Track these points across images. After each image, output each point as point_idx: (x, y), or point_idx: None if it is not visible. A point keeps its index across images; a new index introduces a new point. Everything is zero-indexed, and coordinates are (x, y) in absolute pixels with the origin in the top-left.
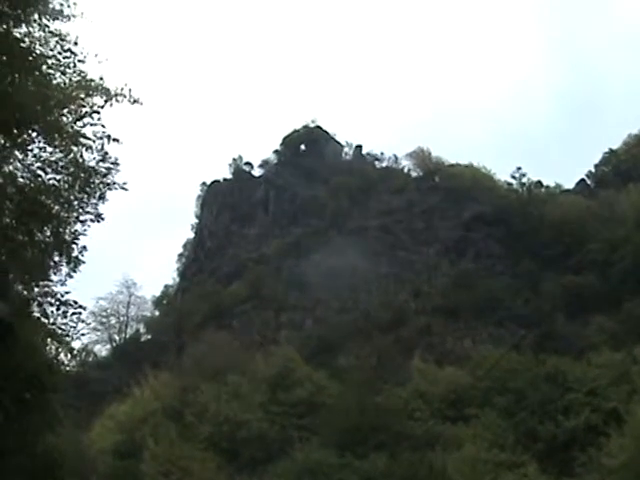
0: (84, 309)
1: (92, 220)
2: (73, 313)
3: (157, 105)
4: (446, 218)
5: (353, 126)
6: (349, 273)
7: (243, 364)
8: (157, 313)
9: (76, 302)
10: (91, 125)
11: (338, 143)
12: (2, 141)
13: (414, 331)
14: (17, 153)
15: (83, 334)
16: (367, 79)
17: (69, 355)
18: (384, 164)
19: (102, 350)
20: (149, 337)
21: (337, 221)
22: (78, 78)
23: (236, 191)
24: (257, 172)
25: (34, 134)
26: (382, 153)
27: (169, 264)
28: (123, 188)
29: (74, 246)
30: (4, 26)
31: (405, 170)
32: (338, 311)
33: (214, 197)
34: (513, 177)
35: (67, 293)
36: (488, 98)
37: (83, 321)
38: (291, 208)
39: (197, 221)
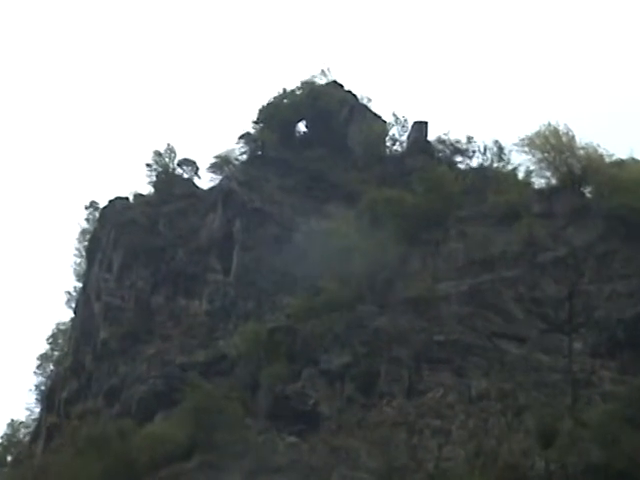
0: None
1: None
2: None
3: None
4: (615, 259)
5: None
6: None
7: None
8: None
9: None
10: None
11: (378, 117)
12: None
13: None
14: None
15: None
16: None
17: None
18: (473, 161)
19: None
20: None
21: (380, 284)
22: None
23: (163, 221)
24: (206, 181)
25: None
26: (471, 139)
27: (19, 380)
28: None
29: None
30: None
31: (520, 173)
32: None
33: (116, 234)
34: None
35: None
36: None
37: None
38: (278, 255)
39: (80, 286)
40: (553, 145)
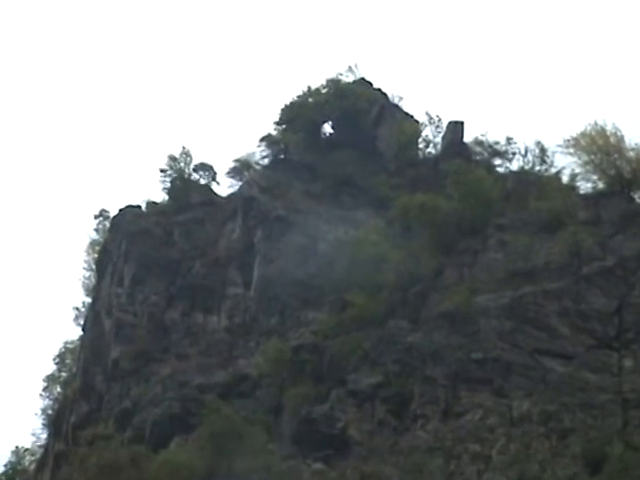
0: None
1: None
2: None
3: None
4: None
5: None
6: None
7: None
8: None
9: None
10: None
11: (410, 117)
12: None
13: None
14: None
15: None
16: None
17: None
18: (513, 164)
19: None
20: None
21: (413, 298)
22: None
23: (179, 230)
24: (225, 187)
25: None
26: (511, 140)
27: (24, 404)
28: None
29: None
30: None
31: (564, 176)
32: None
33: (128, 245)
34: None
35: None
36: None
37: None
38: (303, 267)
39: (89, 302)
40: (600, 146)
